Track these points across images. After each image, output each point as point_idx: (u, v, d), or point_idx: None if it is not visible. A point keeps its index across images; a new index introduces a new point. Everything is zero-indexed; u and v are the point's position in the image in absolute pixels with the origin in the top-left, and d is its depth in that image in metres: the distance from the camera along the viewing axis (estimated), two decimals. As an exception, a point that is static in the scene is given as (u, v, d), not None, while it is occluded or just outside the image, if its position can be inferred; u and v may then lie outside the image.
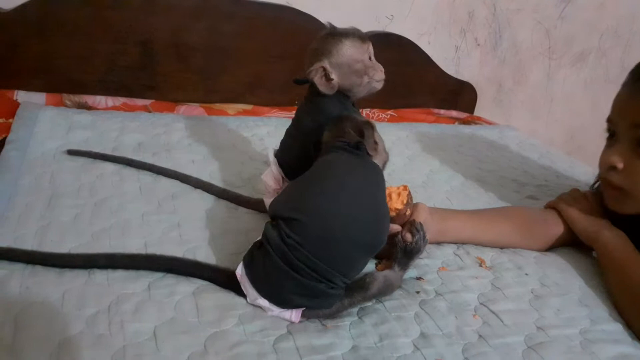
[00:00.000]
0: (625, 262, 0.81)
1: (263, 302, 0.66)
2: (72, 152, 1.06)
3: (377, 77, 0.82)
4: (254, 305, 0.68)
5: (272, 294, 0.66)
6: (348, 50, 0.80)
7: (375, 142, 0.74)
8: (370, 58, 0.82)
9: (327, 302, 0.66)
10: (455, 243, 0.90)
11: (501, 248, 0.91)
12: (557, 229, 0.94)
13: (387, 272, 0.73)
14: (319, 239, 0.64)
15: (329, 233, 0.64)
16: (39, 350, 0.57)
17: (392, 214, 0.76)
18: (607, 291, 0.81)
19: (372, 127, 0.73)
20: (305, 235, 0.64)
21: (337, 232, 0.64)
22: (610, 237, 0.86)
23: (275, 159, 0.87)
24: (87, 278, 0.70)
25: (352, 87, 0.82)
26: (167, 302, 0.67)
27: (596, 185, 1.00)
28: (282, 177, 0.86)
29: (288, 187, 0.75)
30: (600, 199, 0.92)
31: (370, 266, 0.81)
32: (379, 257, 0.82)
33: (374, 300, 0.72)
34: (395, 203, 0.77)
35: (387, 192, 0.77)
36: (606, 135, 0.89)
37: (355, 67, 0.80)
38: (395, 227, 0.78)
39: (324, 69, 0.80)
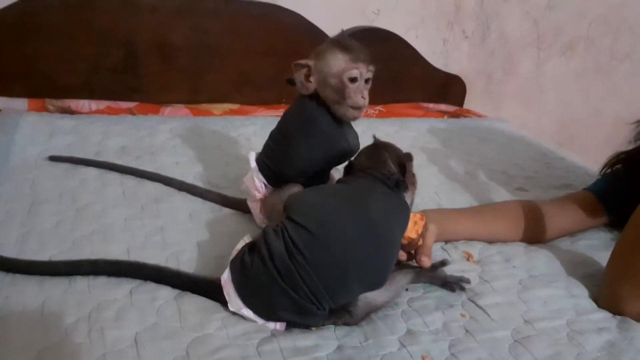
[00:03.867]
0: None
1: (248, 312, 0.65)
2: (54, 158, 1.04)
3: (351, 102, 0.77)
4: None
5: (260, 307, 0.64)
6: (334, 62, 0.77)
7: (413, 176, 0.72)
8: (354, 81, 0.77)
9: (313, 320, 0.65)
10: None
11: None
12: (557, 221, 0.93)
13: (370, 295, 0.67)
14: (323, 254, 0.61)
15: (333, 252, 0.62)
16: (17, 360, 0.56)
17: (404, 241, 0.73)
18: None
19: (411, 160, 0.72)
20: (310, 247, 0.61)
21: (341, 256, 0.62)
22: None
23: (256, 166, 0.85)
24: (67, 286, 0.69)
25: (330, 102, 0.79)
26: (149, 308, 0.66)
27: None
28: (264, 184, 0.84)
29: (312, 191, 0.72)
30: None
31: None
32: None
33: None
34: (410, 232, 0.74)
35: None
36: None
37: (330, 81, 0.77)
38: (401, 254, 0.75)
39: (309, 68, 0.78)
